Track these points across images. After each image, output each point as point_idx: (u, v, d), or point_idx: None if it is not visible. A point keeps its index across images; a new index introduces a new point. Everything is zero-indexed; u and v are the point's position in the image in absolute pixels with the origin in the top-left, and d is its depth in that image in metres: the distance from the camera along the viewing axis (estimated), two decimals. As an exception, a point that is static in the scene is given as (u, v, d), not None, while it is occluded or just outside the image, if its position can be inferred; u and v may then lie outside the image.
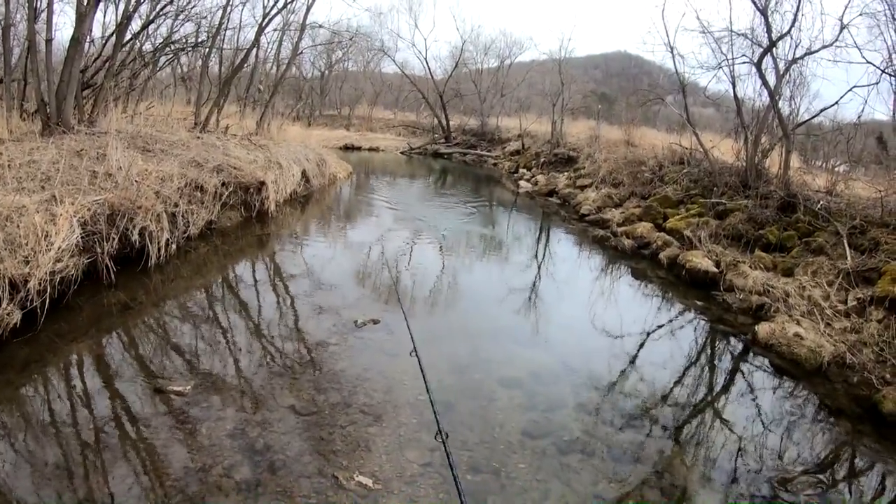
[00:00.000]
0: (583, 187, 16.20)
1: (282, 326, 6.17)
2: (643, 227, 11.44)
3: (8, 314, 4.67)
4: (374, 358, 5.58)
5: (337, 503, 3.64)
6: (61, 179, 6.40)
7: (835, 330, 6.58)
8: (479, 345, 6.17)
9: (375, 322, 6.33)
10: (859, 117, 11.25)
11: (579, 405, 5.10)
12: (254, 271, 7.95)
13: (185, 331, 5.82)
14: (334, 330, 6.10)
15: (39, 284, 5.01)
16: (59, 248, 5.35)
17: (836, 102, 10.97)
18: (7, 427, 3.89)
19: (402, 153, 27.66)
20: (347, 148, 26.43)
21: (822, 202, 9.47)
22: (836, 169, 11.95)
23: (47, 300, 5.10)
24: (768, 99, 11.38)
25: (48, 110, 8.55)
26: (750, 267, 8.54)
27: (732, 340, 7.01)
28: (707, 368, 6.35)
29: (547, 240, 12.06)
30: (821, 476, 4.34)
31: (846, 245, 8.03)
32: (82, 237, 5.79)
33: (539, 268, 9.76)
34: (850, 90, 10.56)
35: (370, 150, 27.64)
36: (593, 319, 7.40)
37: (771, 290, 7.71)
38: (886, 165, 11.23)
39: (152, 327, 5.79)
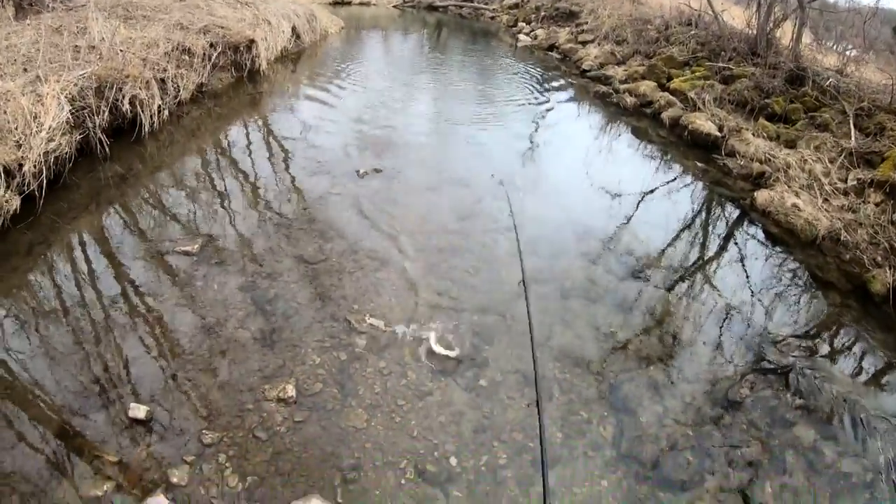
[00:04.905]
0: (584, 43, 15.43)
1: (282, 182, 6.03)
2: (646, 86, 11.06)
3: (6, 201, 4.54)
4: (378, 205, 5.57)
5: (351, 345, 3.76)
6: (43, 59, 6.05)
7: (832, 206, 6.63)
8: (479, 193, 6.17)
9: (378, 171, 6.24)
10: (878, 1, 10.70)
11: (581, 254, 5.25)
12: (248, 132, 7.57)
13: (185, 195, 5.63)
14: (336, 181, 6.02)
15: (34, 167, 4.86)
16: (49, 128, 5.16)
17: (857, -19, 10.31)
18: (19, 312, 3.81)
19: (394, 7, 25.75)
20: (337, 3, 24.47)
21: (831, 79, 9.14)
22: (847, 53, 11.49)
23: (44, 182, 4.93)
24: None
25: (20, -9, 7.74)
26: (753, 134, 8.40)
27: (730, 205, 7.05)
28: (703, 230, 6.43)
29: (547, 93, 11.54)
30: (808, 342, 4.57)
31: (852, 125, 7.88)
32: (72, 113, 5.55)
33: (539, 122, 9.45)
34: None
35: (361, 4, 25.66)
36: (594, 175, 7.35)
37: (772, 159, 7.65)
38: (899, 55, 10.82)
39: (152, 195, 5.59)
